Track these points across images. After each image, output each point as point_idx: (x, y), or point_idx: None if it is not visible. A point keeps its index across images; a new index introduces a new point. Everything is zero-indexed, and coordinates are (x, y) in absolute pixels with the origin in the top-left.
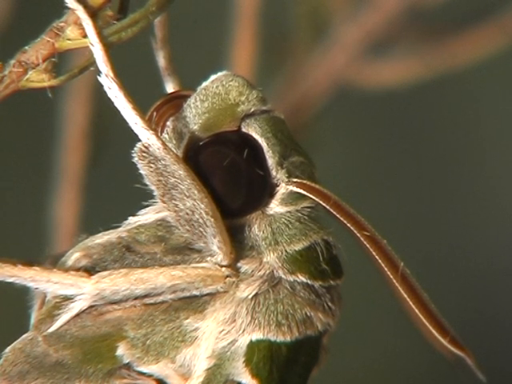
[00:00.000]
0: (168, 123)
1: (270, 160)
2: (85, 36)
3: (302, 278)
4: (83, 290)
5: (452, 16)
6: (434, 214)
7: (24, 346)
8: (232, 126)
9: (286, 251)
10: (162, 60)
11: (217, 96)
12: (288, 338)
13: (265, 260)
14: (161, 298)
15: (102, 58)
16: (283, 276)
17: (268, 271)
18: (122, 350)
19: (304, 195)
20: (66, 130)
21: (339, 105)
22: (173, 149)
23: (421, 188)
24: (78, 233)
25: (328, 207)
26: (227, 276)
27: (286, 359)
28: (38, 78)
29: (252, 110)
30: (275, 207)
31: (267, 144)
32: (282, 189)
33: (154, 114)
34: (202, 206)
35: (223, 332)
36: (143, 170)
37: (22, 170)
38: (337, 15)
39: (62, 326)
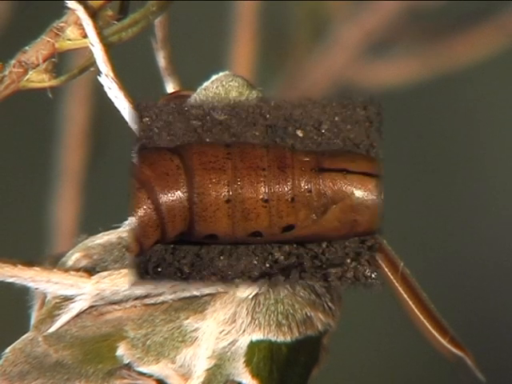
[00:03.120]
0: None
1: None
2: (85, 36)
3: None
4: (83, 291)
5: (452, 16)
6: (434, 214)
7: (24, 346)
8: None
9: None
10: (161, 60)
11: (217, 96)
12: (288, 338)
13: None
14: (161, 298)
15: (102, 58)
16: None
17: None
18: (122, 350)
19: None
20: (66, 130)
21: None
22: None
23: (420, 188)
24: (77, 233)
25: None
26: None
27: (286, 359)
28: (38, 78)
29: None
30: None
31: None
32: None
33: None
34: None
35: (223, 332)
36: None
37: (22, 170)
38: (337, 15)
39: (62, 327)
